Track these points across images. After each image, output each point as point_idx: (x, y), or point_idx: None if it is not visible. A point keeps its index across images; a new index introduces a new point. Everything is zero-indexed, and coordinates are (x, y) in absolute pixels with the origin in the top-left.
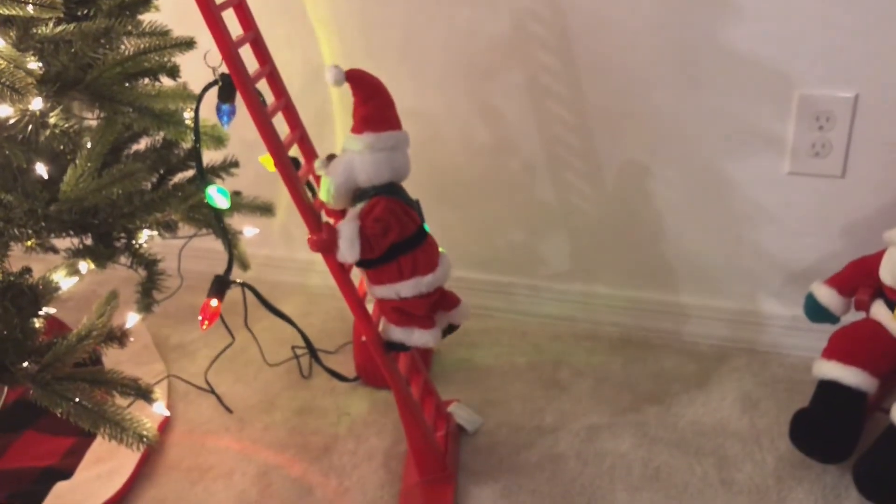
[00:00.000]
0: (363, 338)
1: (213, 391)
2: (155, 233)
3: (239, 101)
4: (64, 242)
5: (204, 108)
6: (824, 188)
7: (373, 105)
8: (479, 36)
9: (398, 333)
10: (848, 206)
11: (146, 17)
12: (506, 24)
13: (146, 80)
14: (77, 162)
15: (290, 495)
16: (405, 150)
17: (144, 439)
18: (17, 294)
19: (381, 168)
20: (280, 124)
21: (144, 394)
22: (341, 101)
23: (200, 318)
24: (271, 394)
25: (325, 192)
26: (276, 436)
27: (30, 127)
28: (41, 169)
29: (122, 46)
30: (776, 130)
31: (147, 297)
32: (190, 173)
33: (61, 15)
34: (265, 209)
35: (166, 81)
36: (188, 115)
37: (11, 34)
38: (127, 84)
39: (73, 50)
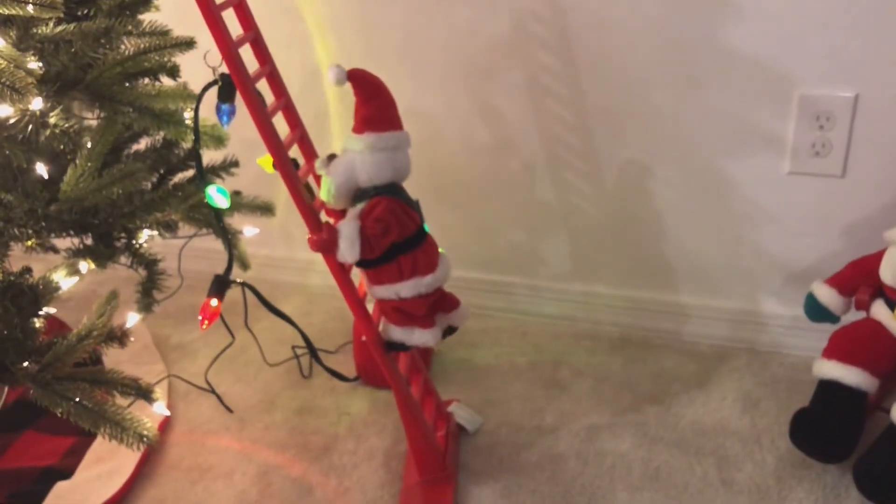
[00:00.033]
0: (363, 338)
1: (213, 391)
2: (155, 232)
3: (239, 100)
4: (64, 242)
5: (204, 107)
6: (824, 188)
7: (374, 105)
8: (479, 36)
9: (398, 333)
10: (848, 206)
11: (146, 17)
12: (506, 24)
13: (146, 80)
14: (77, 162)
15: (290, 495)
16: (406, 150)
17: (145, 439)
18: (17, 294)
19: (382, 168)
20: (280, 124)
21: (145, 393)
22: (338, 101)
23: (200, 317)
24: (271, 393)
25: (326, 191)
26: (277, 435)
27: (30, 127)
28: (41, 169)
29: (123, 46)
30: (776, 130)
31: (147, 297)
32: (190, 173)
33: (61, 15)
34: (265, 209)
35: (166, 81)
36: (188, 115)
37: (11, 34)
38: (127, 84)
39: (73, 50)
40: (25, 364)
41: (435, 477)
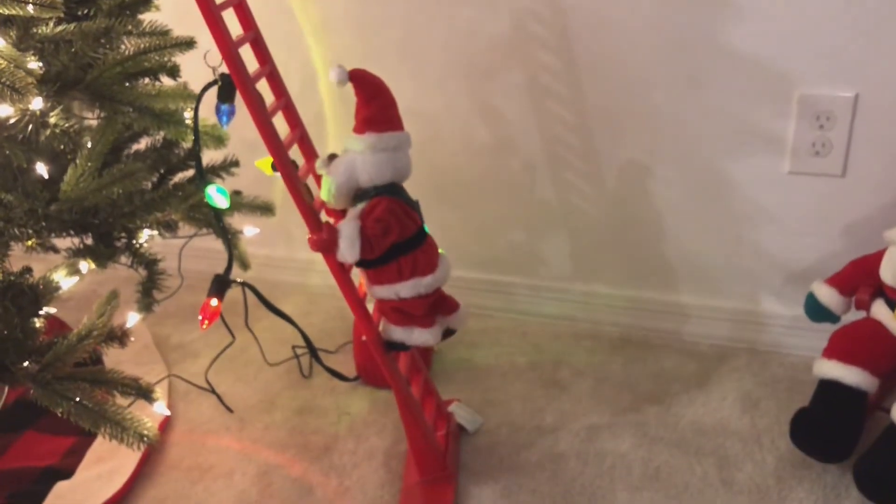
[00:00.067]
0: (363, 337)
1: (213, 391)
2: (155, 232)
3: (239, 100)
4: (64, 242)
5: (204, 107)
6: (824, 188)
7: (375, 105)
8: (479, 36)
9: (398, 333)
10: (848, 206)
11: (146, 17)
12: (506, 24)
13: (146, 80)
14: (77, 161)
15: (290, 495)
16: (407, 150)
17: (145, 439)
18: (17, 294)
19: (382, 168)
20: (280, 124)
21: (145, 393)
22: (335, 101)
23: (200, 317)
24: (272, 393)
25: (326, 191)
26: (277, 435)
27: (30, 127)
28: (41, 169)
29: (123, 46)
30: (776, 130)
31: (147, 297)
32: (190, 173)
33: (61, 15)
34: (265, 209)
35: (166, 81)
36: (188, 115)
37: (12, 34)
38: (127, 84)
39: (73, 50)
40: (26, 364)
41: (435, 477)
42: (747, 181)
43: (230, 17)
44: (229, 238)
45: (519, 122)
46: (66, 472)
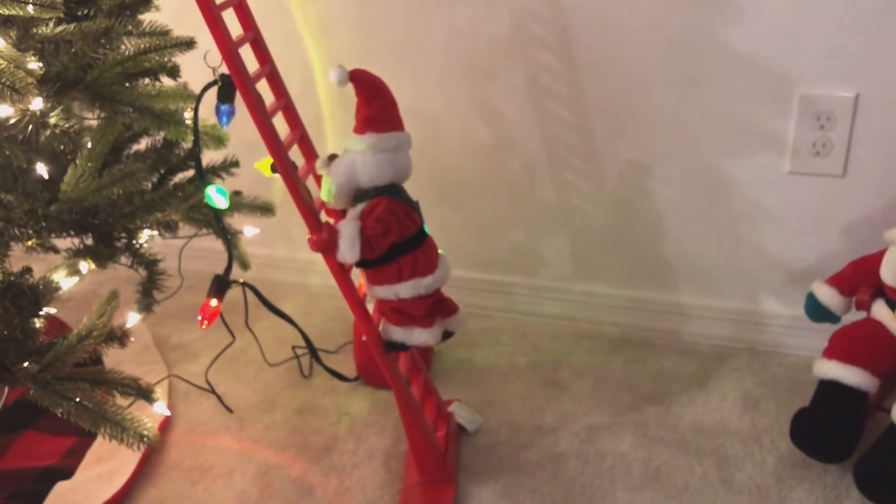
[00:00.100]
0: (363, 338)
1: (213, 391)
2: (155, 233)
3: (239, 101)
4: (64, 242)
5: (204, 108)
6: (825, 188)
7: (376, 105)
8: (479, 36)
9: (398, 333)
10: (849, 206)
11: (146, 17)
12: (506, 24)
13: (146, 80)
14: (77, 162)
15: (290, 495)
16: (407, 151)
17: (145, 439)
18: (17, 294)
19: (383, 169)
20: (280, 124)
21: (145, 394)
22: (333, 101)
23: (200, 318)
24: (272, 393)
25: (327, 192)
26: (277, 435)
27: (30, 127)
28: (41, 169)
29: (123, 46)
30: (777, 130)
31: (147, 297)
32: (190, 173)
33: (61, 15)
34: (265, 209)
35: (166, 81)
36: (188, 115)
37: (12, 34)
38: (127, 84)
39: (73, 50)
40: (26, 364)
41: (435, 477)
42: (748, 181)
43: (230, 18)
44: (229, 238)
45: (519, 122)
46: (67, 473)
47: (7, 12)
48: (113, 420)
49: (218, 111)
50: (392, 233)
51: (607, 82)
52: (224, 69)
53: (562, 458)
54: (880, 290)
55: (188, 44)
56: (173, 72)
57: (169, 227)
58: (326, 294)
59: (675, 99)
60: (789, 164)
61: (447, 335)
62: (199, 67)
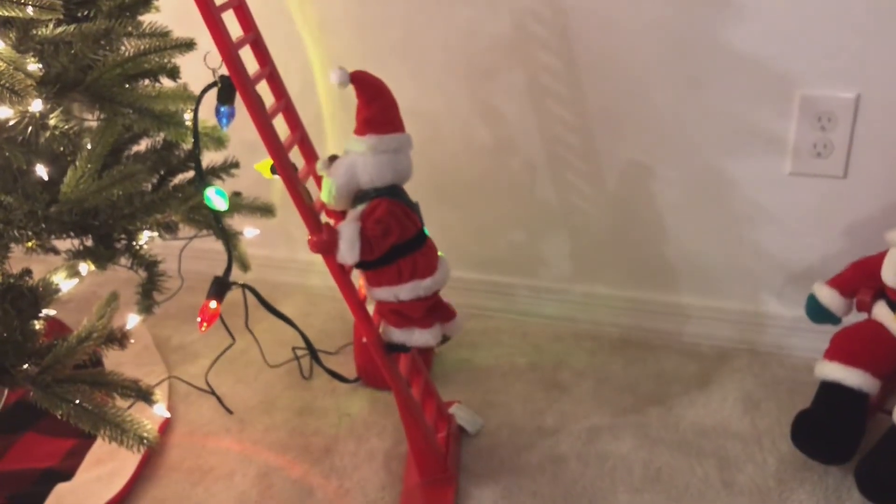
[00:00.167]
0: (364, 339)
1: (213, 392)
2: (155, 234)
3: (239, 102)
4: (64, 243)
5: (204, 109)
6: (826, 189)
7: (376, 107)
8: (479, 36)
9: (398, 335)
10: (849, 207)
11: (146, 18)
12: (506, 24)
13: (146, 82)
14: (77, 163)
15: (290, 496)
16: (408, 152)
17: (145, 441)
18: (17, 296)
19: (383, 170)
20: (280, 125)
21: (145, 395)
22: (334, 102)
23: (199, 319)
24: (272, 395)
25: (327, 192)
26: (277, 437)
27: (30, 129)
28: (41, 170)
29: (122, 48)
30: (777, 131)
31: (147, 299)
32: (190, 174)
33: (61, 16)
34: (265, 210)
35: (166, 82)
36: (188, 117)
37: (11, 36)
38: (127, 85)
39: (72, 51)
40: (25, 366)
41: (435, 478)
42: (748, 182)
43: (230, 19)
44: (229, 240)
45: (519, 123)
46: (66, 474)
47: (6, 14)
48: (113, 422)
49: (218, 112)
50: (392, 234)
51: (607, 82)
52: (224, 70)
53: (562, 460)
54: (881, 292)
55: (188, 45)
56: (173, 73)
57: (169, 229)
58: (326, 295)
59: (676, 99)
60: (790, 165)
61: (444, 339)
62: (199, 69)
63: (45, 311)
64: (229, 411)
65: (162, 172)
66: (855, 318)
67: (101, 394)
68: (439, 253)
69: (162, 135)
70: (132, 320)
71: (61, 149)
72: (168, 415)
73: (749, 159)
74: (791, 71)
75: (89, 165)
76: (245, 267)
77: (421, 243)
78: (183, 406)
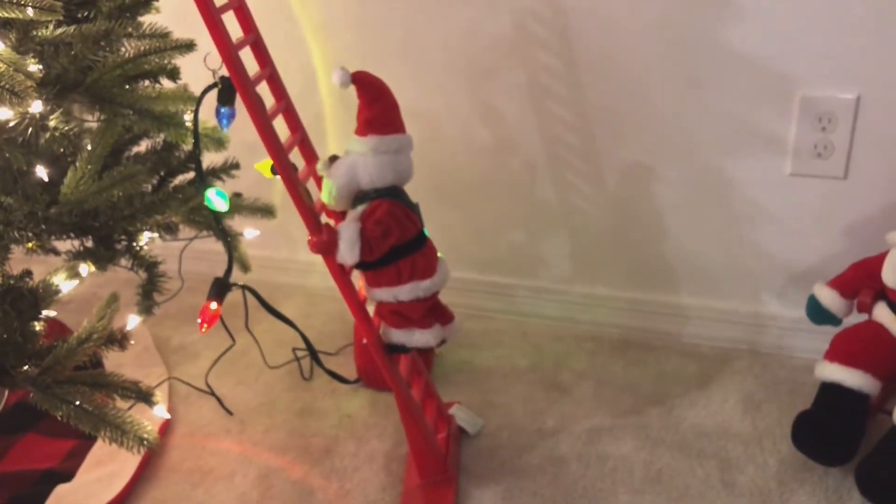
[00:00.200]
0: (364, 340)
1: (213, 393)
2: (155, 235)
3: (239, 103)
4: (65, 244)
5: (204, 110)
6: (826, 189)
7: (378, 108)
8: (480, 36)
9: (398, 336)
10: (850, 208)
11: (146, 19)
12: (506, 24)
13: (146, 83)
14: (77, 164)
15: (290, 497)
16: (409, 153)
17: (145, 442)
18: (17, 297)
19: (384, 171)
20: (280, 126)
21: (145, 396)
22: (335, 102)
23: (199, 320)
24: (272, 396)
25: (327, 193)
26: (277, 438)
27: (30, 130)
28: (41, 171)
29: (123, 49)
30: (778, 131)
31: (148, 300)
32: (190, 175)
33: (61, 17)
34: (265, 211)
35: (166, 83)
36: (188, 118)
37: (11, 37)
38: (127, 86)
39: (73, 52)
40: (25, 367)
41: (436, 479)
42: (748, 182)
43: (230, 20)
44: (229, 241)
45: (519, 123)
46: (67, 475)
47: (6, 15)
48: (113, 423)
49: (218, 113)
50: (392, 235)
51: (607, 82)
52: (224, 72)
53: (563, 461)
54: (882, 293)
55: (188, 46)
56: (173, 74)
57: (169, 230)
58: (327, 296)
59: (676, 99)
60: (790, 166)
61: (441, 342)
62: (199, 70)
63: (45, 313)
64: (229, 412)
65: (162, 173)
66: (855, 318)
67: (101, 395)
68: (439, 254)
69: (162, 136)
70: (132, 321)
71: (61, 150)
72: (168, 416)
73: (749, 160)
74: (791, 71)
75: (89, 166)
76: (245, 268)
77: (421, 244)
78: (183, 407)
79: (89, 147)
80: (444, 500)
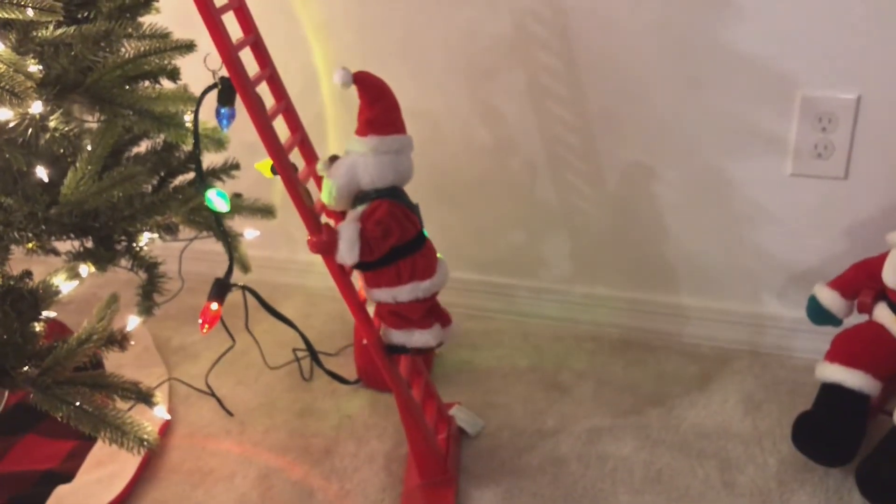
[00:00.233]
0: (364, 341)
1: (213, 394)
2: (155, 235)
3: (239, 103)
4: (65, 245)
5: (204, 110)
6: (827, 190)
7: (378, 108)
8: (480, 36)
9: (398, 336)
10: (851, 208)
11: (146, 20)
12: (506, 24)
13: (146, 83)
14: (77, 165)
15: (290, 498)
16: (409, 153)
17: (145, 443)
18: (17, 298)
19: (384, 171)
20: (280, 127)
21: (145, 397)
22: (335, 102)
23: (200, 321)
24: (272, 396)
25: (327, 193)
26: (277, 438)
27: (30, 130)
28: (41, 172)
29: (123, 49)
30: (778, 131)
31: (148, 300)
32: (190, 176)
33: (61, 18)
34: (266, 211)
35: (166, 84)
36: (188, 118)
37: (11, 37)
38: (127, 87)
39: (73, 53)
40: (25, 368)
41: (436, 480)
42: (749, 182)
43: (230, 21)
44: (230, 241)
45: (519, 123)
46: (67, 476)
47: (6, 16)
48: (113, 424)
49: (218, 114)
50: (392, 236)
51: (608, 82)
52: (224, 72)
53: (563, 461)
54: (882, 293)
55: (188, 47)
56: (173, 74)
57: (169, 230)
58: (327, 296)
59: (676, 99)
60: (791, 166)
61: (437, 344)
62: (199, 70)
63: (45, 313)
64: (229, 413)
65: (162, 174)
66: (856, 319)
67: (101, 396)
68: (438, 255)
69: (162, 136)
70: (132, 322)
71: (61, 150)
72: (168, 416)
73: (749, 160)
74: (792, 71)
75: (89, 167)
76: (246, 268)
77: (420, 245)
78: (183, 408)
79: (89, 148)
80: (444, 500)
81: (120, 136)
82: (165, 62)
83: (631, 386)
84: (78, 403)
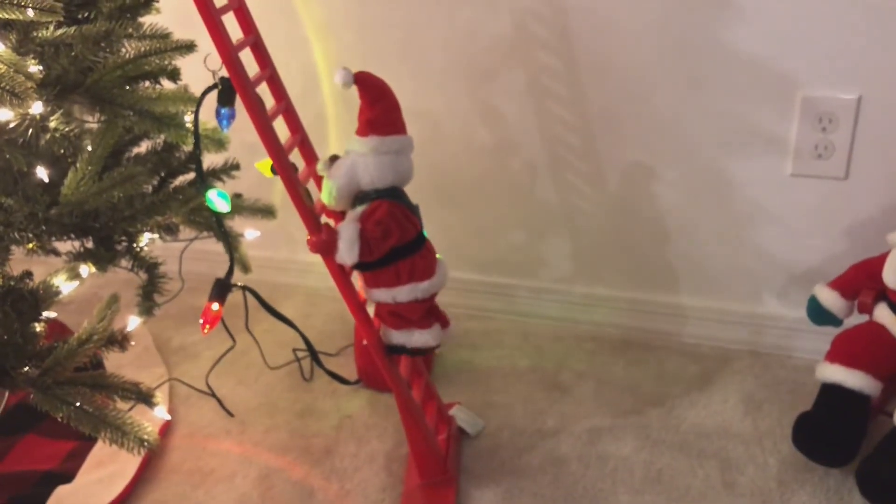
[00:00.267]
0: (364, 341)
1: (213, 394)
2: (156, 236)
3: (239, 104)
4: (65, 245)
5: (204, 111)
6: (827, 190)
7: (379, 108)
8: (480, 36)
9: (398, 337)
10: (851, 208)
11: (147, 20)
12: (506, 25)
13: (147, 84)
14: (78, 165)
15: (291, 498)
16: (409, 154)
17: (145, 443)
18: (17, 298)
19: (384, 171)
20: (280, 127)
21: (145, 398)
22: (336, 102)
23: (202, 321)
24: (272, 397)
25: (327, 193)
26: (278, 439)
27: (30, 131)
28: (42, 172)
29: (123, 49)
30: (778, 132)
31: (148, 301)
32: (191, 176)
33: (61, 18)
34: (266, 211)
35: (167, 84)
36: (189, 119)
37: (11, 38)
38: (127, 87)
39: (73, 53)
40: (26, 368)
41: (436, 480)
42: (749, 183)
43: (230, 21)
44: (230, 241)
45: (519, 123)
46: (67, 476)
47: (7, 16)
48: (113, 424)
49: (218, 115)
50: (392, 236)
51: (608, 83)
52: (224, 72)
53: (563, 461)
54: (882, 293)
55: (188, 47)
56: (173, 75)
57: (169, 230)
58: (327, 296)
59: (676, 99)
60: (791, 167)
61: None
62: (199, 70)
63: (45, 314)
64: (230, 413)
65: (162, 174)
66: (856, 319)
67: (101, 396)
68: (438, 255)
69: (162, 137)
70: (133, 322)
71: (62, 151)
72: (168, 417)
73: (750, 160)
74: (792, 72)
75: (90, 167)
76: (246, 268)
77: (420, 246)
78: (183, 408)
79: (90, 148)
80: (444, 500)
81: (120, 137)
82: (166, 62)
83: (631, 386)
84: (78, 404)
